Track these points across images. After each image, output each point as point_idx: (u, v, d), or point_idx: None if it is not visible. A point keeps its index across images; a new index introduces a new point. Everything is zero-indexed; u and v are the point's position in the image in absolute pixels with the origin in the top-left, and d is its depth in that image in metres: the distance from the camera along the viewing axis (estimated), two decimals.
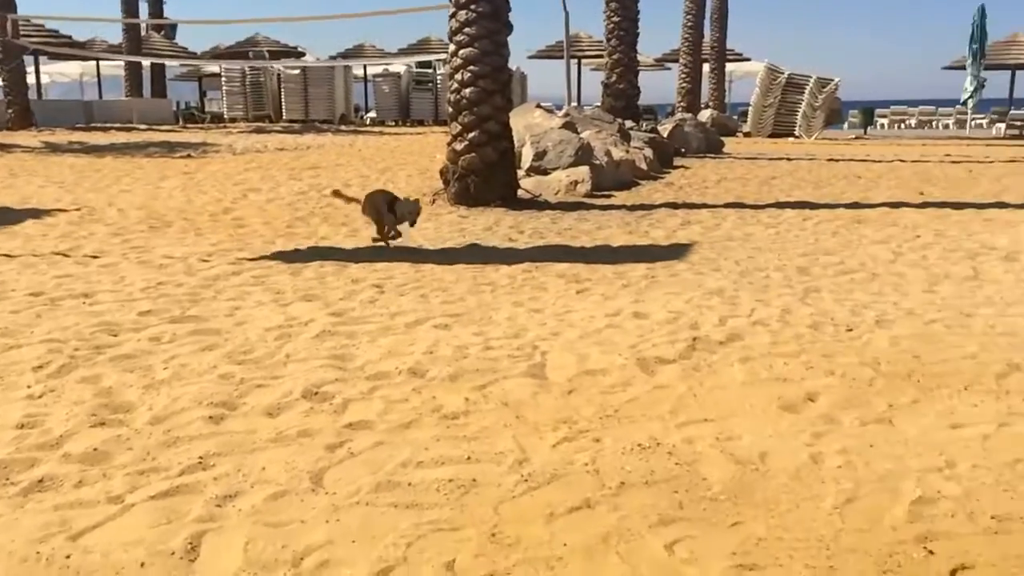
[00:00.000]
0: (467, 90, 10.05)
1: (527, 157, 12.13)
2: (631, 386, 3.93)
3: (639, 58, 21.84)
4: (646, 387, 3.93)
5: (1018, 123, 29.00)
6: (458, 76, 10.15)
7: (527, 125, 13.23)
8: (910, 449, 3.23)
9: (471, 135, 10.04)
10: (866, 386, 3.94)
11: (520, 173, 11.68)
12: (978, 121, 31.76)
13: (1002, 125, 29.22)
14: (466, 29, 10.00)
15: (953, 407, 3.68)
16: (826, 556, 2.48)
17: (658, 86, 40.70)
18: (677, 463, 3.09)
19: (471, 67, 10.02)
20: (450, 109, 10.45)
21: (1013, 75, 33.86)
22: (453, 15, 10.08)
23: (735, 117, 30.58)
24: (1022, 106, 32.27)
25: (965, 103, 30.40)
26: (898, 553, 2.49)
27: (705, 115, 26.40)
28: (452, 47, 10.25)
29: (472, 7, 9.91)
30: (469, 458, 3.12)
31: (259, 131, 25.96)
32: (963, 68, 30.06)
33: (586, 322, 5.04)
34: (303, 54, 35.55)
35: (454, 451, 3.18)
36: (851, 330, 4.86)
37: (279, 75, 32.74)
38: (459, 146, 10.13)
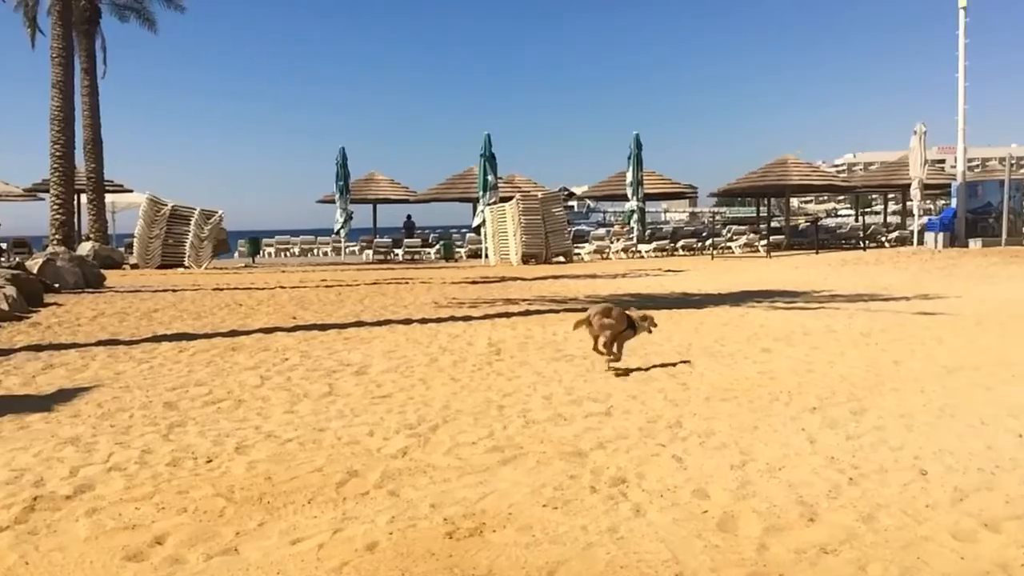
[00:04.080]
0: None
1: None
2: None
3: (4, 187, 19.82)
4: None
5: (383, 249, 33.25)
6: None
7: None
8: (250, 574, 3.32)
9: None
10: (217, 517, 3.98)
11: None
12: (351, 248, 35.60)
13: (370, 251, 33.20)
14: None
15: (296, 523, 3.91)
16: None
17: (37, 216, 37.39)
18: None
19: None
20: None
21: (375, 208, 39.04)
22: None
23: (121, 249, 29.50)
24: (385, 234, 37.13)
25: (338, 232, 34.00)
26: None
27: (86, 247, 25.01)
28: None
29: None
30: None
31: None
32: (333, 202, 33.69)
33: None
34: None
35: None
36: (211, 461, 4.90)
37: None
38: None
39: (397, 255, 33.01)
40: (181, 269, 26.09)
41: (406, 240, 34.44)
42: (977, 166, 51.78)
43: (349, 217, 33.63)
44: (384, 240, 34.43)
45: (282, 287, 18.19)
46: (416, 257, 32.93)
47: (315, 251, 37.79)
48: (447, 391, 6.83)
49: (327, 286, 18.40)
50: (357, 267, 28.01)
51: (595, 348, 7.40)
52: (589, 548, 3.53)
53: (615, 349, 7.34)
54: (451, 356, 8.49)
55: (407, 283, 19.35)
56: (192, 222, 27.13)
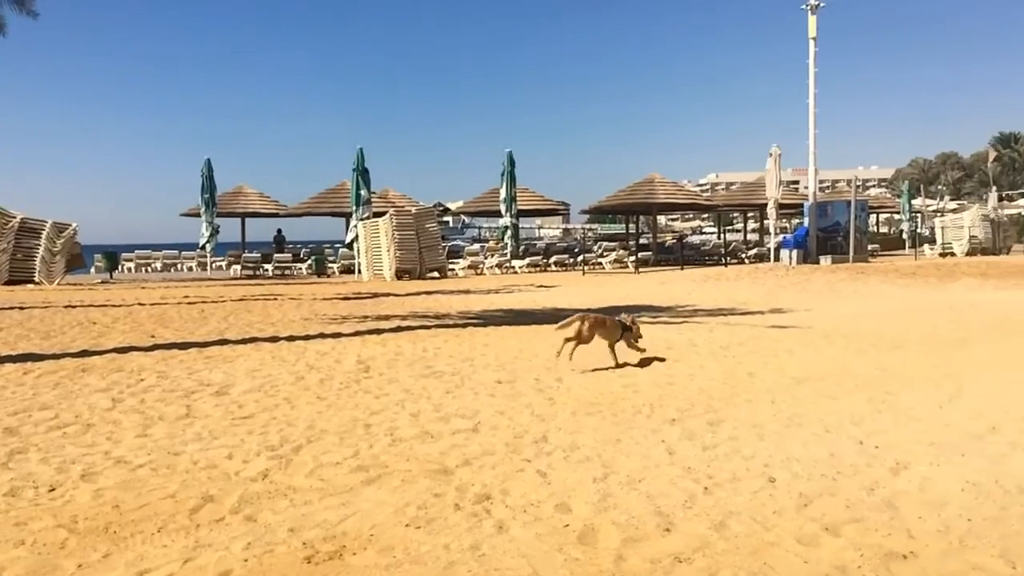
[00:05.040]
0: None
1: None
2: None
3: None
4: None
5: (251, 264, 32.31)
6: None
7: None
8: None
9: None
10: (58, 550, 3.75)
11: None
12: (218, 263, 34.41)
13: (238, 266, 32.18)
14: None
15: (144, 553, 3.73)
16: None
17: None
18: None
19: None
20: None
21: (243, 221, 37.90)
22: None
23: None
24: (254, 249, 36.06)
25: (204, 247, 32.80)
26: None
27: None
28: None
29: None
30: None
31: None
32: (199, 215, 32.50)
33: None
34: None
35: None
36: (54, 490, 4.62)
37: None
38: None
39: (266, 270, 32.15)
40: (31, 285, 24.54)
41: (276, 255, 33.59)
42: (828, 187, 55.07)
43: (215, 231, 32.49)
44: (253, 255, 33.45)
45: (141, 304, 17.38)
46: (287, 272, 32.17)
47: (179, 266, 36.31)
48: (312, 410, 6.68)
49: (190, 303, 17.70)
50: (224, 283, 27.08)
51: (568, 350, 8.37)
52: (451, 567, 3.52)
53: (634, 348, 8.70)
54: (318, 374, 8.32)
55: (276, 299, 18.86)
56: (43, 235, 25.61)
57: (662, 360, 8.83)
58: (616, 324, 8.60)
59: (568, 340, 8.33)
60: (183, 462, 5.19)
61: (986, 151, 74.84)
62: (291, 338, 11.20)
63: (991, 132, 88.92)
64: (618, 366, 8.44)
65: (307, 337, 11.33)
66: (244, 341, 10.91)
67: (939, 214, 49.03)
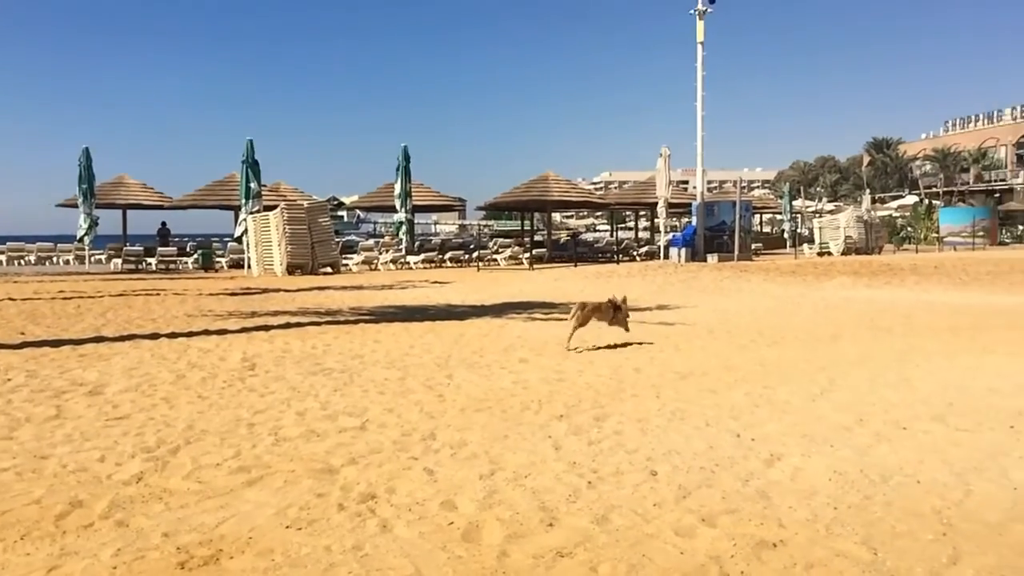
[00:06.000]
0: None
1: None
2: None
3: None
4: None
5: (133, 258, 30.98)
6: None
7: None
8: None
9: None
10: None
11: None
12: (97, 256, 32.84)
13: (118, 260, 30.81)
14: None
15: (5, 562, 3.54)
16: None
17: None
18: None
19: None
20: None
21: (124, 213, 36.32)
22: None
23: None
24: (136, 242, 34.57)
25: (82, 239, 31.26)
26: None
27: None
28: None
29: None
30: None
31: None
32: (76, 207, 30.95)
33: None
34: None
35: None
36: None
37: None
38: None
39: (150, 264, 30.88)
40: None
41: (160, 248, 32.28)
42: (715, 187, 56.91)
43: (94, 223, 30.97)
44: (135, 248, 32.05)
45: (11, 299, 16.43)
46: (171, 267, 30.96)
47: (55, 259, 34.45)
48: (193, 410, 6.46)
49: (65, 298, 16.84)
50: (103, 277, 25.87)
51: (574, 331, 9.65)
52: (331, 569, 3.46)
53: (623, 327, 10.00)
54: (200, 372, 8.05)
55: (159, 294, 18.15)
56: None
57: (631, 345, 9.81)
58: (609, 307, 9.91)
59: (579, 326, 9.70)
60: (51, 466, 4.94)
61: (860, 156, 78.89)
62: (173, 335, 10.80)
63: (865, 138, 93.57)
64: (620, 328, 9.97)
65: (190, 334, 10.95)
66: (122, 338, 10.46)
67: (817, 215, 51.29)
